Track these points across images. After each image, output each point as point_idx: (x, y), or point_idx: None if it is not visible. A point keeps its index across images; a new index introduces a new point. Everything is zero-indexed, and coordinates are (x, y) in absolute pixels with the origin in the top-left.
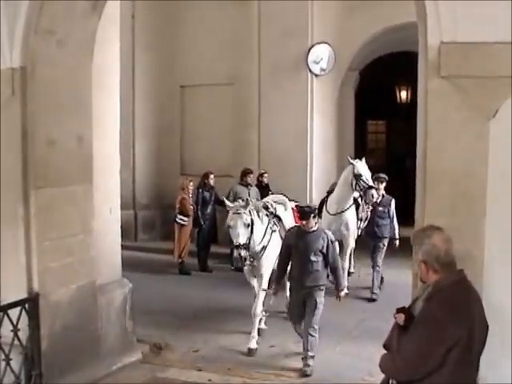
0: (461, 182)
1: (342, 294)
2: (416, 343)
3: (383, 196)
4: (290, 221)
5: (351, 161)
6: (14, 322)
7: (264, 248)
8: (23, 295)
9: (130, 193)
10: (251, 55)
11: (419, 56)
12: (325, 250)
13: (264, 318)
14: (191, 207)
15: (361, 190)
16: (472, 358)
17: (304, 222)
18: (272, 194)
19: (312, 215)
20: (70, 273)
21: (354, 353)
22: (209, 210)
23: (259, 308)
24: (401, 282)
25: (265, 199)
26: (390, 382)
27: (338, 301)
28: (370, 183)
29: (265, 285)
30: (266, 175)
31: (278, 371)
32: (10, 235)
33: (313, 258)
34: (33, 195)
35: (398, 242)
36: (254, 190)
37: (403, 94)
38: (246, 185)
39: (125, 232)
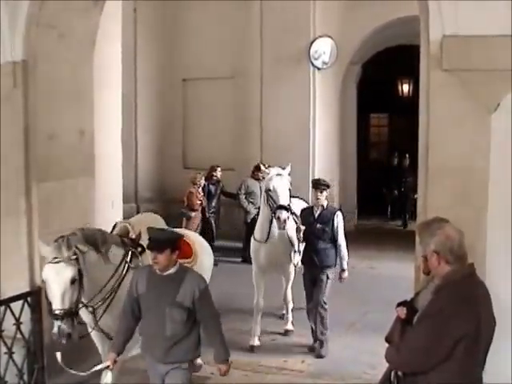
0: (462, 175)
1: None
2: (423, 335)
3: (324, 208)
4: None
5: (263, 168)
6: (17, 316)
7: (111, 298)
8: (25, 288)
9: (133, 186)
10: (253, 49)
11: (421, 49)
12: (190, 304)
13: None
14: (198, 201)
15: (271, 210)
16: (478, 353)
17: (151, 257)
18: None
19: (166, 245)
20: None
21: (357, 346)
22: (214, 204)
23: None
24: (402, 276)
25: (132, 218)
26: (392, 374)
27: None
28: (281, 201)
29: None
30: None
31: (280, 365)
32: (12, 228)
33: (171, 318)
34: (34, 188)
35: (346, 274)
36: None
37: (405, 88)
38: (258, 179)
39: None
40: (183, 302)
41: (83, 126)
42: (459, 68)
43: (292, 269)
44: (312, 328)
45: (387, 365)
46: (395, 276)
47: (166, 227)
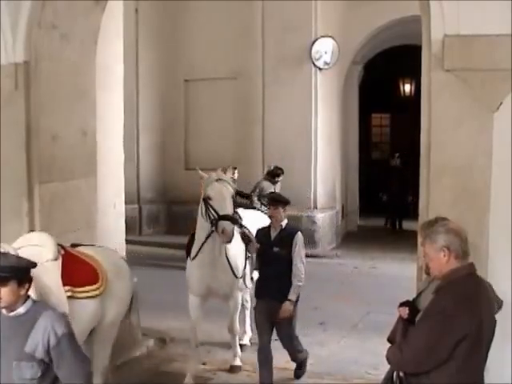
0: (464, 174)
1: None
2: (425, 334)
3: (282, 228)
4: (51, 281)
5: (201, 173)
6: None
7: None
8: None
9: (135, 187)
10: (255, 49)
11: (422, 49)
12: (44, 356)
13: None
14: None
15: (211, 222)
16: (480, 352)
17: None
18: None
19: (10, 276)
20: None
21: (359, 346)
22: None
23: None
24: (405, 276)
25: (17, 240)
26: (395, 374)
27: None
28: (224, 211)
29: None
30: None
31: (283, 365)
32: (15, 230)
33: (19, 375)
34: (37, 190)
35: (290, 307)
36: (279, 186)
37: (407, 88)
38: (274, 182)
39: (129, 226)
40: (34, 353)
41: (85, 127)
42: (461, 68)
43: (238, 297)
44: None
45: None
46: (398, 276)
47: (54, 248)
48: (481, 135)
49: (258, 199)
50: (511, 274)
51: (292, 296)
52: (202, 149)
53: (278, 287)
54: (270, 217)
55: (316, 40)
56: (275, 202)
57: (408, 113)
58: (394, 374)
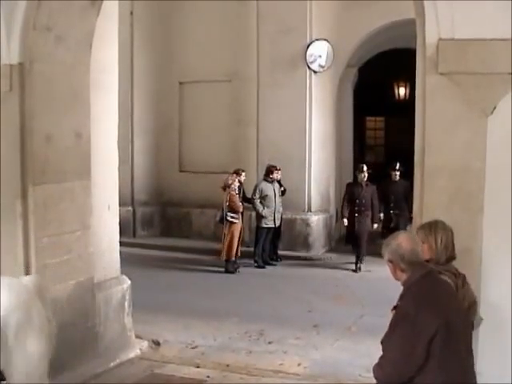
0: (458, 177)
1: None
2: (398, 343)
3: None
4: None
5: None
6: None
7: None
8: None
9: (129, 189)
10: (250, 52)
11: (417, 53)
12: None
13: None
14: (240, 204)
15: None
16: (458, 345)
17: None
18: (284, 190)
19: None
20: (68, 269)
21: (352, 349)
22: None
23: None
24: None
25: None
26: None
27: None
28: None
29: None
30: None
31: (277, 367)
32: (9, 232)
33: None
34: (31, 191)
35: None
36: (277, 186)
37: (401, 91)
38: (272, 181)
39: (123, 228)
40: None
41: (80, 129)
42: (455, 71)
43: None
44: None
45: None
46: (391, 279)
47: None
48: (475, 138)
49: (260, 202)
50: (507, 276)
51: None
52: (196, 151)
53: None
54: None
55: (311, 43)
56: None
57: (403, 116)
58: None
